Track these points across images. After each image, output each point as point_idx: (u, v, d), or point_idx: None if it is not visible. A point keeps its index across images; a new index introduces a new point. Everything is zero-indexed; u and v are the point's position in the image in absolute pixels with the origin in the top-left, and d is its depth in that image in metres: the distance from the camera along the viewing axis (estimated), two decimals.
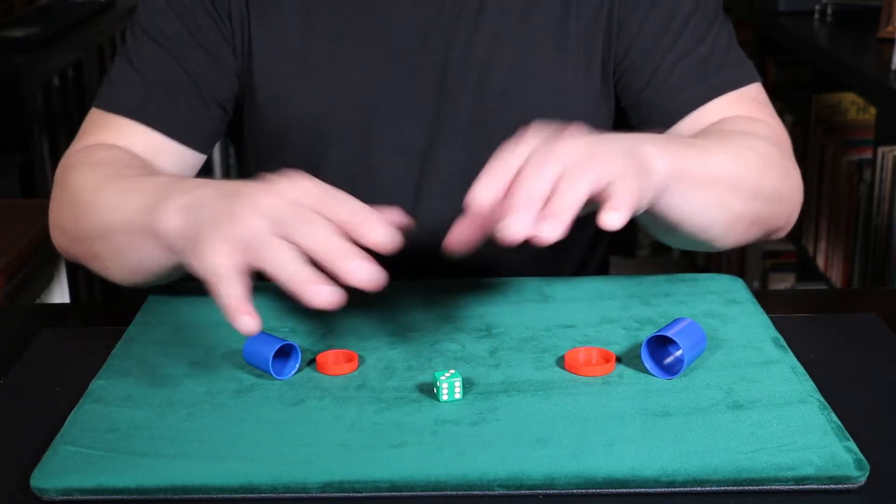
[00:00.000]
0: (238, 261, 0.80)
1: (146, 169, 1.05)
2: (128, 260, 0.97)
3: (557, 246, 1.23)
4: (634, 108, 1.15)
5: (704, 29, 1.13)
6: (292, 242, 0.80)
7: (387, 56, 1.13)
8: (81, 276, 2.47)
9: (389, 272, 0.81)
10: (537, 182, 0.81)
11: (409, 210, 1.17)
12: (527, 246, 1.20)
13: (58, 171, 1.10)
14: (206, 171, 1.19)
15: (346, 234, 0.80)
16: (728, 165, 0.99)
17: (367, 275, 0.78)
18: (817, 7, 2.51)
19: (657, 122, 1.13)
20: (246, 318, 0.79)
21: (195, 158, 1.16)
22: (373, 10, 1.13)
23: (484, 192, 0.82)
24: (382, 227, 0.80)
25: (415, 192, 1.16)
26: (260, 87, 1.14)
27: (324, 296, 0.78)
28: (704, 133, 1.06)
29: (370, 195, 1.17)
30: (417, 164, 1.15)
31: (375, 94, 1.13)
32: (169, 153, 1.13)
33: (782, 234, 1.10)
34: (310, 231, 0.80)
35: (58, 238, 1.09)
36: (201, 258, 0.81)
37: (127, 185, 0.99)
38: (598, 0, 1.13)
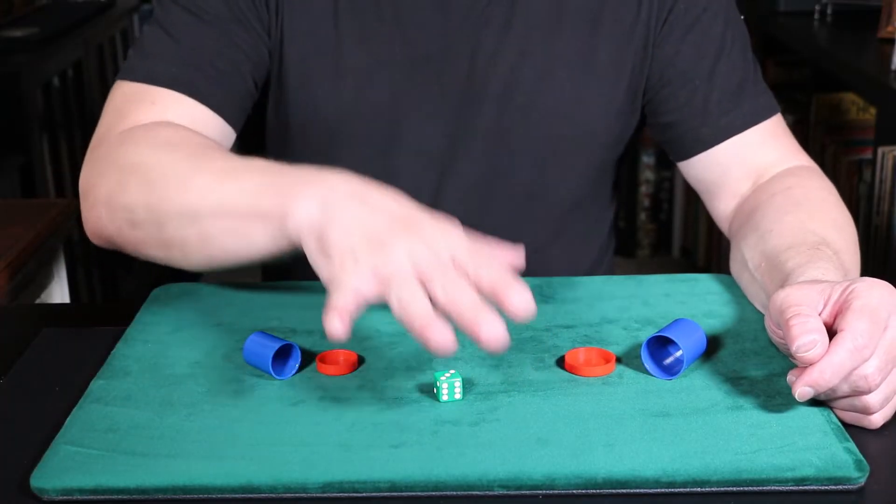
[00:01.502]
0: (372, 290, 0.78)
1: (228, 151, 1.00)
2: (218, 247, 0.92)
3: (577, 245, 1.24)
4: (667, 128, 1.16)
5: (738, 56, 1.15)
6: (429, 291, 0.78)
7: (412, 62, 1.12)
8: (81, 276, 2.47)
9: None
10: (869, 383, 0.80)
11: None
12: (542, 245, 1.21)
13: (103, 148, 1.02)
14: None
15: (484, 294, 0.78)
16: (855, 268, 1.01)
17: (498, 334, 0.76)
18: (817, 7, 2.51)
19: (691, 146, 1.15)
20: (337, 322, 0.76)
21: (231, 136, 1.11)
22: (400, 15, 1.12)
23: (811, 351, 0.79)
24: (524, 294, 0.78)
25: (432, 198, 1.16)
26: (288, 79, 1.12)
27: (444, 337, 0.76)
28: (812, 228, 1.02)
29: None
30: (436, 170, 1.15)
31: (399, 98, 1.13)
32: (211, 128, 1.07)
33: None
34: (451, 287, 0.77)
35: (105, 220, 0.99)
36: (340, 274, 0.79)
37: (218, 167, 0.93)
38: (631, 18, 1.13)
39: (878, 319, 0.79)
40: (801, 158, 1.16)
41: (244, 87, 1.11)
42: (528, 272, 1.11)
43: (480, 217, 1.17)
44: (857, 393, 0.80)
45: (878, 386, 0.79)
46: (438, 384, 0.84)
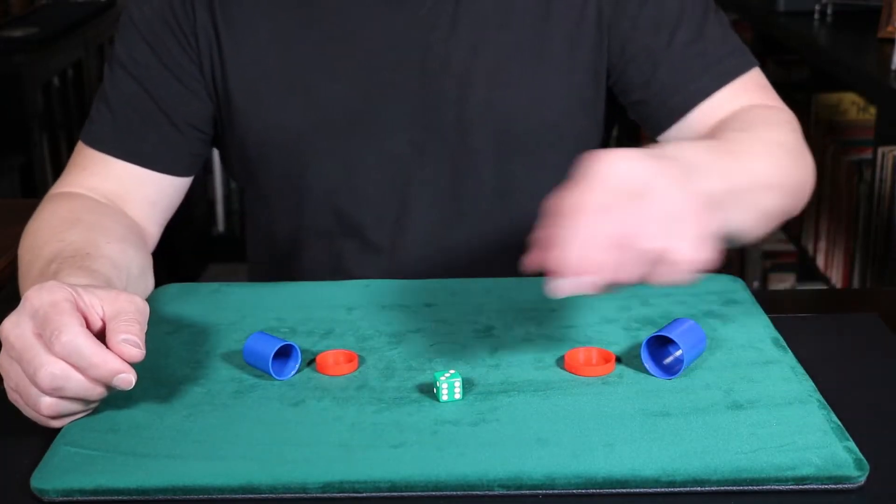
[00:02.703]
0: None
1: (83, 231, 1.03)
2: None
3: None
4: (638, 105, 1.15)
5: (699, 20, 1.13)
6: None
7: (363, 72, 1.12)
8: None
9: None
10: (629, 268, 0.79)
11: (395, 222, 1.17)
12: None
13: (42, 203, 1.11)
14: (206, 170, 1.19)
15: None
16: (764, 166, 1.00)
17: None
18: (817, 7, 2.50)
19: (665, 117, 1.13)
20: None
21: (176, 183, 1.17)
22: (347, 26, 1.12)
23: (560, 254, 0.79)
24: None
25: (400, 205, 1.16)
26: (238, 107, 1.14)
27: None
28: (731, 128, 1.05)
29: (354, 210, 1.17)
30: (401, 177, 1.15)
31: (354, 110, 1.13)
32: (145, 182, 1.14)
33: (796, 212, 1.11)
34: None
35: None
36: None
37: (27, 262, 1.00)
38: (581, 2, 1.12)
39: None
40: (774, 102, 1.14)
41: (177, 136, 1.15)
42: (510, 271, 1.11)
43: (453, 219, 1.17)
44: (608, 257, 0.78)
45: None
46: (438, 384, 0.84)
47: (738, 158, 0.97)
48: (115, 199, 1.13)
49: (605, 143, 1.24)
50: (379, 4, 1.11)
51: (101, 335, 0.81)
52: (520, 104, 1.13)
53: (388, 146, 1.14)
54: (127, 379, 0.79)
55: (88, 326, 0.80)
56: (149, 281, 1.06)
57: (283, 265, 1.24)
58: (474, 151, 1.15)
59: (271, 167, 1.17)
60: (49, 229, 1.03)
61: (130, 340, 0.79)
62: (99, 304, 0.82)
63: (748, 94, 1.13)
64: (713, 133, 1.08)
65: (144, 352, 0.80)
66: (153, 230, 1.16)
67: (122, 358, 0.79)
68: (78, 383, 0.78)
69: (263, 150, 1.16)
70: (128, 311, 0.81)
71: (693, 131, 1.13)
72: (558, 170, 1.18)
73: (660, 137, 1.16)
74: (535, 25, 1.12)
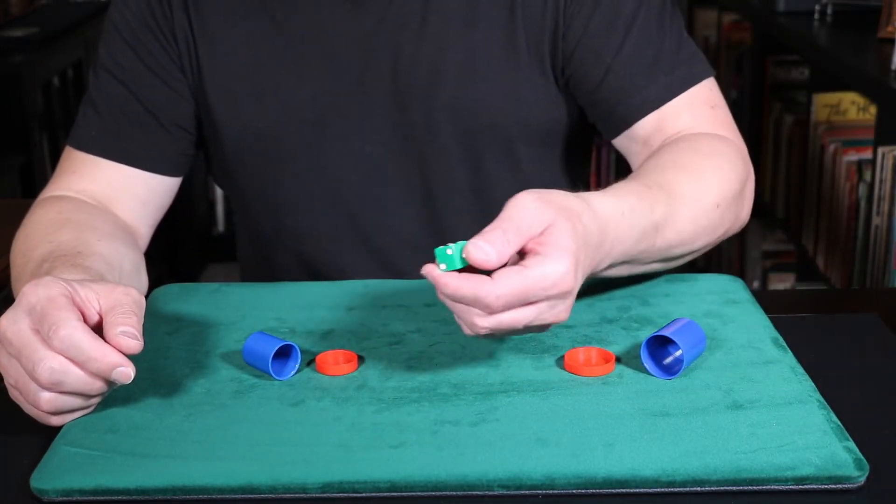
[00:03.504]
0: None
1: (75, 232, 1.03)
2: None
3: None
4: (590, 108, 1.15)
5: (654, 26, 1.11)
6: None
7: (333, 72, 1.13)
8: None
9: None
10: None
11: (372, 222, 1.17)
12: None
13: (31, 209, 1.11)
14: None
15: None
16: (684, 225, 0.98)
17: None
18: (817, 7, 2.50)
19: (613, 125, 1.13)
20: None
21: (166, 183, 1.17)
22: (317, 27, 1.12)
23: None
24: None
25: (375, 204, 1.16)
26: (213, 108, 1.15)
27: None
28: (671, 165, 1.02)
29: (330, 210, 1.17)
30: (376, 178, 1.15)
31: (325, 110, 1.13)
32: (135, 182, 1.15)
33: None
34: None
35: None
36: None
37: (20, 264, 1.00)
38: (542, 1, 1.11)
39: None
40: (720, 124, 1.12)
41: (165, 136, 1.16)
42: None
43: (430, 218, 1.17)
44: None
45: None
46: (449, 254, 0.80)
47: (656, 227, 0.95)
48: (105, 201, 1.13)
49: (588, 152, 1.24)
50: (347, 4, 1.12)
51: (98, 329, 0.80)
52: (487, 102, 1.13)
53: (361, 146, 1.14)
54: (126, 372, 0.79)
55: (85, 321, 0.80)
56: (143, 278, 1.06)
57: (264, 265, 1.25)
58: (446, 149, 1.15)
59: (247, 168, 1.17)
60: (39, 232, 1.03)
61: (128, 332, 0.79)
62: (95, 298, 0.82)
63: (695, 110, 1.11)
64: (656, 157, 1.06)
65: (143, 343, 0.79)
66: (144, 230, 1.17)
67: (120, 350, 0.78)
68: (77, 377, 0.78)
69: (238, 152, 1.16)
70: (124, 304, 0.81)
71: (638, 140, 1.12)
72: (532, 165, 1.18)
73: (613, 142, 1.15)
74: (501, 22, 1.12)
